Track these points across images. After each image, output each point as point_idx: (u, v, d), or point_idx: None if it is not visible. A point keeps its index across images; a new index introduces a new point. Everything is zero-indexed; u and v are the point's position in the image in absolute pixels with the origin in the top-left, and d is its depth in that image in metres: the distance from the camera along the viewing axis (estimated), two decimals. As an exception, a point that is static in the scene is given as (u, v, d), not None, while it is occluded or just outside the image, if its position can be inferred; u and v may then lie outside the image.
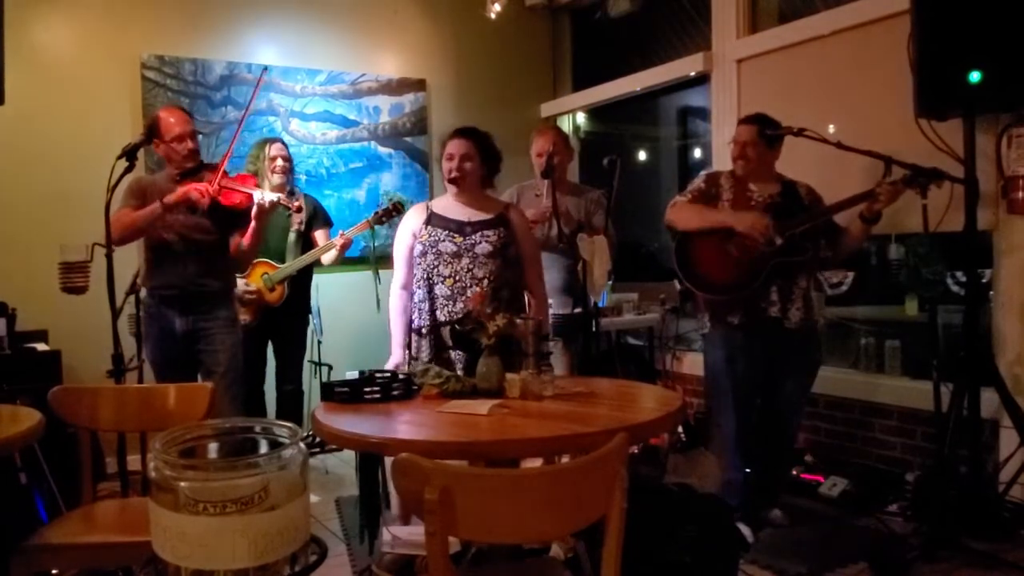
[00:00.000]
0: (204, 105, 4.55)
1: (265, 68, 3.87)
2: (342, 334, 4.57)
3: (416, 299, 2.88)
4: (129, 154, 2.94)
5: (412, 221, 2.95)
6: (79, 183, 4.01)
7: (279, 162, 3.93)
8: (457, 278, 2.81)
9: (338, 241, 3.94)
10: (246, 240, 3.23)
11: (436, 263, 2.83)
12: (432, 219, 2.89)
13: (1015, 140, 3.10)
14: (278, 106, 4.77)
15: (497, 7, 4.57)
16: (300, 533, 1.40)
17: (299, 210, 3.72)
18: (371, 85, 5.08)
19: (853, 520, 3.33)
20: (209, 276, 3.20)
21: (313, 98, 4.89)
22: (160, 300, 3.20)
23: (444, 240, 2.84)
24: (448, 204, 2.94)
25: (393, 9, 5.18)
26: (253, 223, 3.18)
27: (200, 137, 3.32)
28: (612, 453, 1.45)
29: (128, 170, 2.93)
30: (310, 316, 4.30)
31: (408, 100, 5.20)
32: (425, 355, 2.83)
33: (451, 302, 2.81)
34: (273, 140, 4.05)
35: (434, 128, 5.30)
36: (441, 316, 2.81)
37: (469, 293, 2.78)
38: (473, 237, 2.84)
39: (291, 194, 3.96)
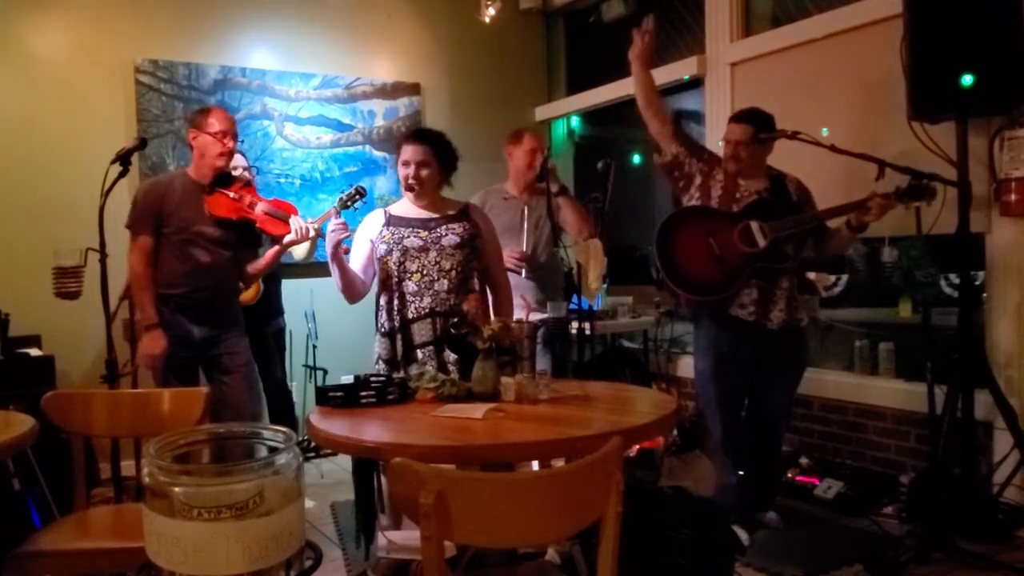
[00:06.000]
0: (198, 109, 4.55)
1: None
2: (337, 339, 4.56)
3: (382, 301, 2.79)
4: (123, 159, 2.93)
5: (370, 227, 2.84)
6: (73, 188, 4.00)
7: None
8: (424, 272, 2.72)
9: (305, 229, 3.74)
10: (263, 264, 3.33)
11: (403, 259, 2.73)
12: (392, 221, 2.81)
13: (1007, 143, 3.12)
14: (272, 110, 4.77)
15: (492, 11, 4.58)
16: (295, 538, 1.40)
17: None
18: (365, 89, 5.07)
19: (848, 522, 3.34)
20: (226, 289, 3.21)
21: (307, 102, 4.88)
22: (175, 307, 3.06)
23: (409, 236, 2.74)
24: (406, 207, 2.86)
25: (387, 12, 5.19)
26: (277, 248, 3.27)
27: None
28: (607, 457, 1.45)
29: (122, 175, 2.92)
30: (282, 318, 4.32)
31: (403, 104, 5.20)
32: (386, 355, 2.75)
33: (418, 298, 2.72)
34: None
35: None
36: (410, 314, 2.72)
37: (436, 287, 2.71)
38: (439, 230, 2.76)
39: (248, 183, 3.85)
